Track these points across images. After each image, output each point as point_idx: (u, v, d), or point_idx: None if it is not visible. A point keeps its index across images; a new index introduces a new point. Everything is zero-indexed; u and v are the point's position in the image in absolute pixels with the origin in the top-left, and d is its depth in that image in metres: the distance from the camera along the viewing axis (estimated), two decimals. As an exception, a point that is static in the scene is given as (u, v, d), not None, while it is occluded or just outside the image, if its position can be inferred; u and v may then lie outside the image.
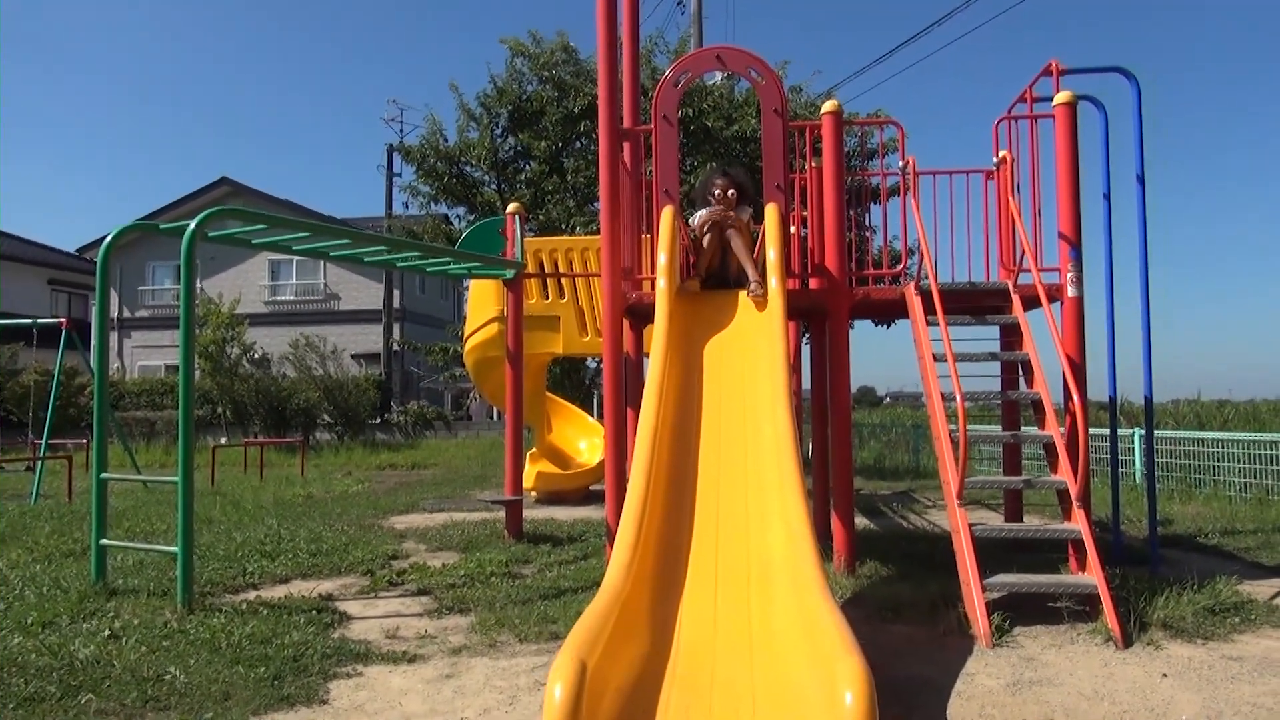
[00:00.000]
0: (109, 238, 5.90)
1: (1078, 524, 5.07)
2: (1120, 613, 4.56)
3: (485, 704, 3.58)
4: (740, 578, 3.81)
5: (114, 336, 34.12)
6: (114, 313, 33.75)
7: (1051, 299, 5.90)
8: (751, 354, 5.48)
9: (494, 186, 15.98)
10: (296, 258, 33.51)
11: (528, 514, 8.59)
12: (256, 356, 25.12)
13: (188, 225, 5.12)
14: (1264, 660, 4.15)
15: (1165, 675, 3.94)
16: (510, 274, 7.70)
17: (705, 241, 5.98)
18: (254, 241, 6.17)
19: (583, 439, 12.75)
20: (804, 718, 2.70)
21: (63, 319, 12.48)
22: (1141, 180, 6.20)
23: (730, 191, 6.01)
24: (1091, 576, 4.81)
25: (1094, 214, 6.27)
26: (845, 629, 2.80)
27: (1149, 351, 6.12)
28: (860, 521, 8.15)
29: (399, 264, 7.35)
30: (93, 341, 5.86)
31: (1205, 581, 5.24)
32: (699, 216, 6.19)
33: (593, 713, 2.54)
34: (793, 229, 6.97)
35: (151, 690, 3.60)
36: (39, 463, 11.73)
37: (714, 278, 6.10)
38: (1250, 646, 4.38)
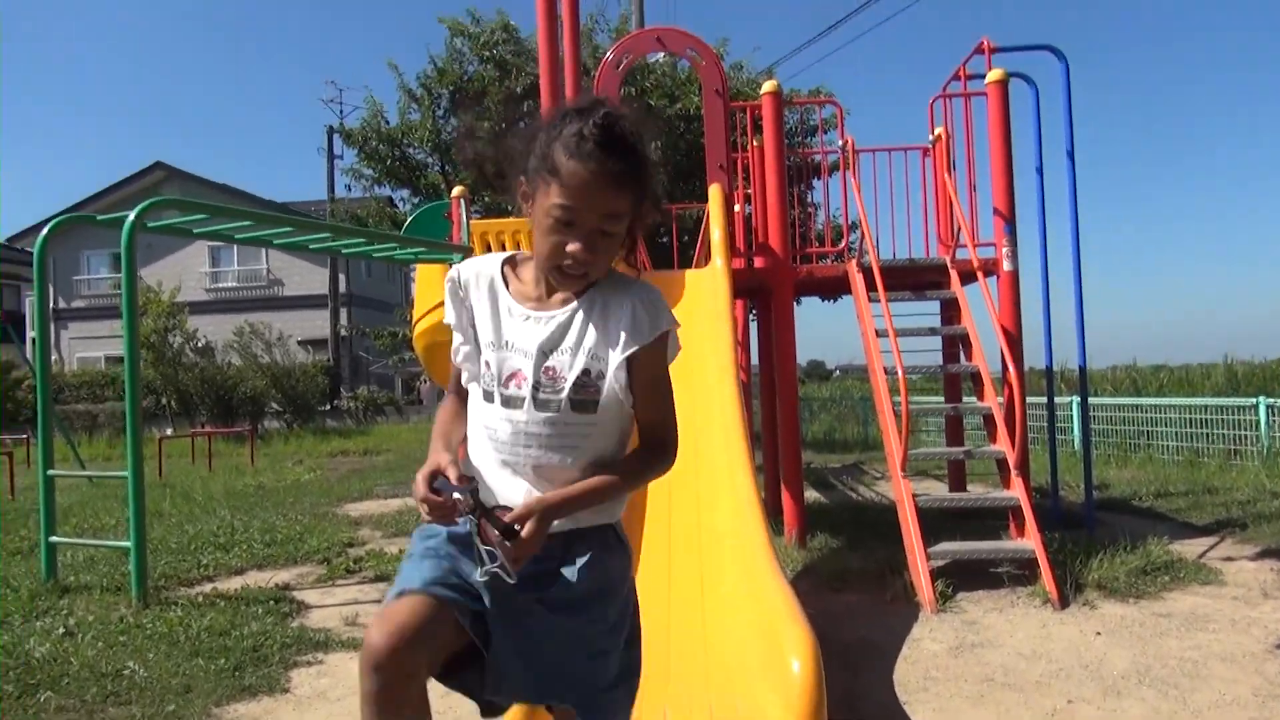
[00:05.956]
0: (45, 231, 5.79)
1: (1016, 492, 5.26)
2: (1057, 575, 4.76)
3: (446, 686, 3.63)
4: (692, 552, 3.90)
5: (51, 328, 33.23)
6: (50, 304, 32.87)
7: (988, 273, 6.07)
8: (698, 332, 5.58)
9: (438, 168, 15.83)
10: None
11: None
12: (200, 345, 24.65)
13: (126, 216, 5.04)
14: (1191, 616, 4.37)
15: (1099, 633, 4.13)
16: (458, 258, 7.69)
17: None
18: (195, 231, 6.08)
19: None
20: (754, 686, 2.80)
21: (-3, 312, 12.17)
22: (1071, 156, 6.38)
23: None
24: (1030, 541, 5.00)
25: (1029, 188, 6.46)
26: (792, 598, 2.90)
27: (1081, 320, 6.33)
28: (811, 495, 8.33)
29: (344, 251, 7.31)
30: (30, 335, 5.73)
31: (1138, 543, 5.47)
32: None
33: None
34: (737, 208, 7.07)
35: (111, 685, 3.60)
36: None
37: None
38: (1179, 603, 4.60)
